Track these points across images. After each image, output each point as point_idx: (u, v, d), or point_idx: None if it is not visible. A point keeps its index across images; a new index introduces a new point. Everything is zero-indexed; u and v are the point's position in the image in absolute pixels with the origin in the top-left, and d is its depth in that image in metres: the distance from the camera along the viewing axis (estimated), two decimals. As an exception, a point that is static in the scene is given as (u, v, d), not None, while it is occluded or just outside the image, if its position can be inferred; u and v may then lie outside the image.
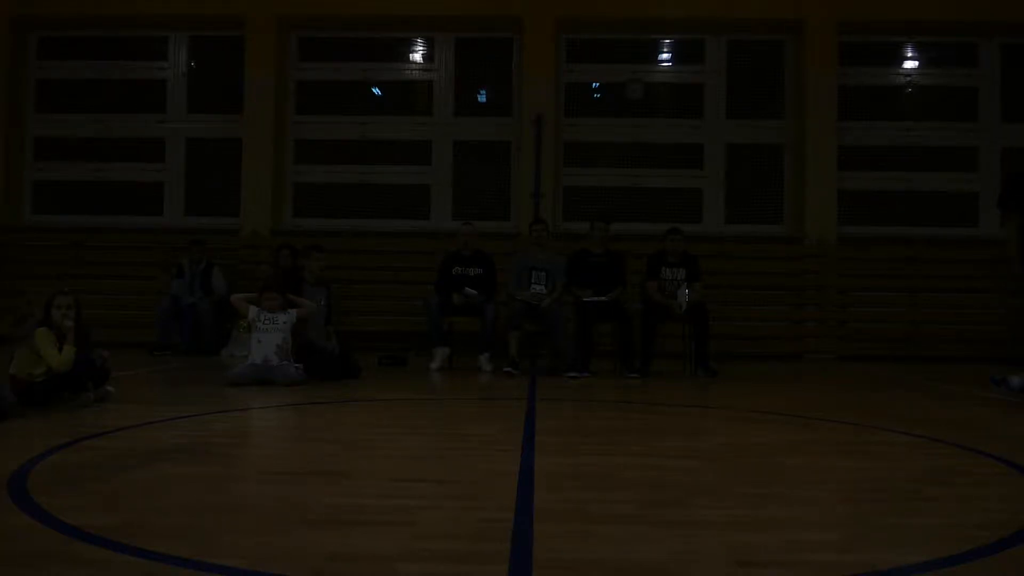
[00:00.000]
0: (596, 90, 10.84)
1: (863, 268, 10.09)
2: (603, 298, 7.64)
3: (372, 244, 10.21)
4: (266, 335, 6.37)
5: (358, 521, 2.46)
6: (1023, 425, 5.01)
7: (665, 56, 10.86)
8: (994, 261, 9.97)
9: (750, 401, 5.87)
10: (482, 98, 10.92)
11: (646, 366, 7.50)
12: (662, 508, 2.69)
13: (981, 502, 2.85)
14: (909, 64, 10.71)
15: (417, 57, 10.82)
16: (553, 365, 7.79)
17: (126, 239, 10.35)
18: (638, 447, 3.95)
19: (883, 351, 9.77)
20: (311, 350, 6.69)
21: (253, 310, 6.49)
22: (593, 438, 4.28)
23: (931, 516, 2.65)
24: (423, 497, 2.79)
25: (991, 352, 9.56)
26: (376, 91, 10.86)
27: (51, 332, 4.80)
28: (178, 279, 9.48)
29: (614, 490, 2.96)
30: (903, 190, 10.40)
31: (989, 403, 5.89)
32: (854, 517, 2.66)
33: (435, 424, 4.76)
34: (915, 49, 10.68)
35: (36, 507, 2.50)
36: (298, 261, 8.60)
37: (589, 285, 7.73)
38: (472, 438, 4.11)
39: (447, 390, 6.59)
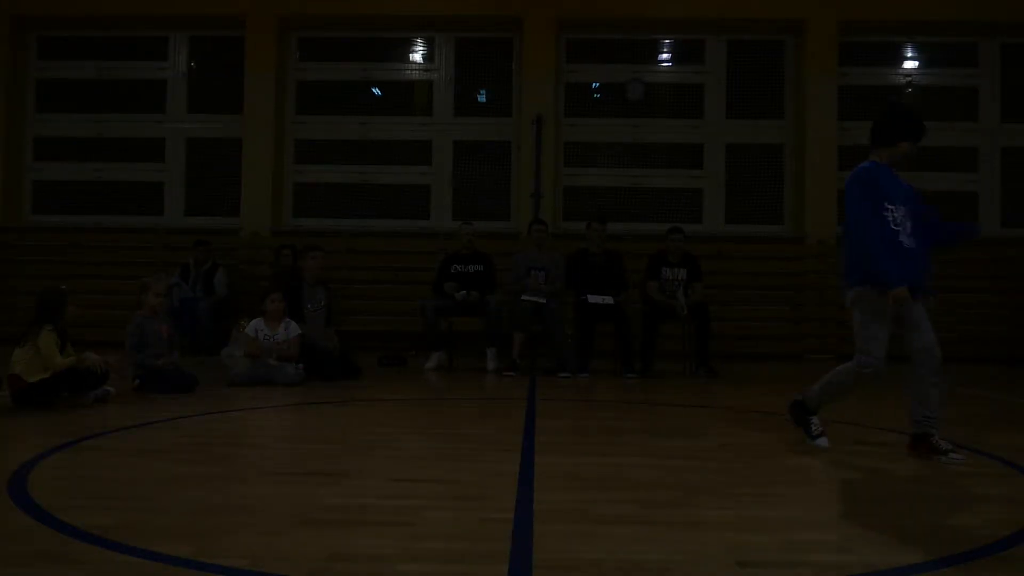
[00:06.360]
0: (596, 90, 10.83)
1: (863, 268, 10.04)
2: (609, 300, 7.61)
3: (372, 244, 10.19)
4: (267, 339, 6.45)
5: (358, 521, 2.46)
6: (1023, 425, 5.01)
7: (665, 56, 10.85)
8: (994, 261, 10.00)
9: (750, 401, 5.87)
10: (482, 98, 10.91)
11: (647, 366, 7.49)
12: (662, 508, 2.69)
13: (981, 502, 2.85)
14: (909, 64, 10.69)
15: (417, 57, 10.81)
16: (553, 365, 7.79)
17: (126, 239, 10.33)
18: (638, 447, 3.95)
19: (883, 351, 9.73)
20: (311, 350, 6.69)
21: (251, 328, 6.48)
22: (593, 438, 4.28)
23: (931, 516, 2.64)
24: (423, 497, 2.79)
25: (991, 352, 9.57)
26: (376, 91, 10.86)
27: (55, 332, 4.80)
28: (181, 280, 9.45)
29: (614, 490, 2.96)
30: (903, 190, 10.37)
31: (989, 403, 5.89)
32: (854, 517, 2.66)
33: (435, 424, 4.76)
34: (915, 49, 10.66)
35: (36, 507, 2.50)
36: (298, 261, 8.59)
37: (589, 285, 7.73)
38: (472, 438, 4.12)
39: (447, 390, 6.58)
